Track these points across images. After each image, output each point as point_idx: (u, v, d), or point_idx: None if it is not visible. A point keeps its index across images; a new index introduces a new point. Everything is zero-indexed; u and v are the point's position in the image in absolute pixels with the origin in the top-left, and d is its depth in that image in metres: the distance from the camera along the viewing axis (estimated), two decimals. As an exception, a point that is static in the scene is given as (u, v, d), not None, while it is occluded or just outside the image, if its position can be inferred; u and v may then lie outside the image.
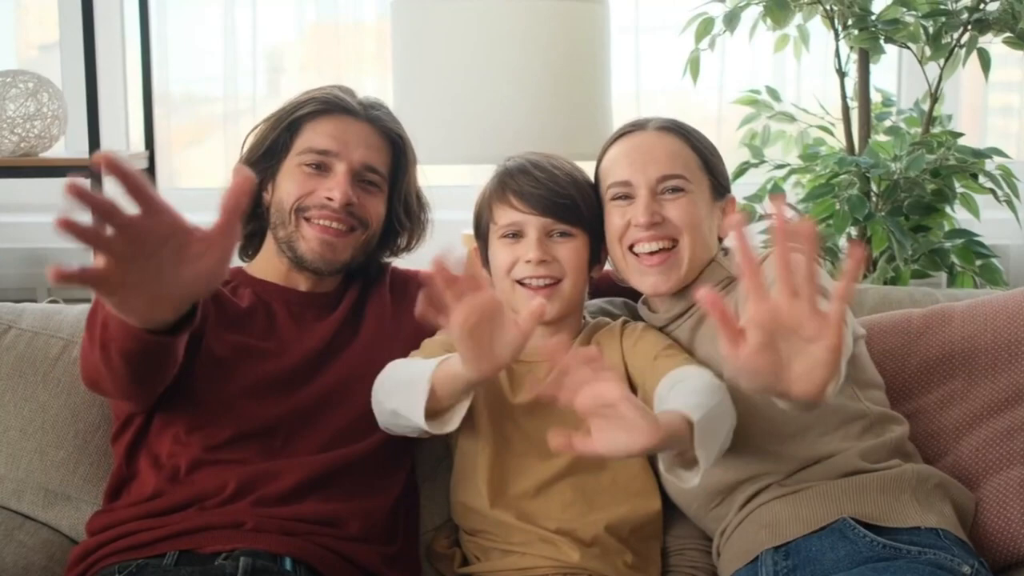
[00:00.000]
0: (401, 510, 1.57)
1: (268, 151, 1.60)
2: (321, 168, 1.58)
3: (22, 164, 2.25)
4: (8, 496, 1.63)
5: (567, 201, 1.53)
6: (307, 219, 1.57)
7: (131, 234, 1.06)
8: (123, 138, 2.75)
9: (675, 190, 1.53)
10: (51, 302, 1.94)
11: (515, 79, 2.02)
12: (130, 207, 1.05)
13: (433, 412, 1.39)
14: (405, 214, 1.66)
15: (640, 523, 1.51)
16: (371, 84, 2.72)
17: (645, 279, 1.53)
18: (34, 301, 2.04)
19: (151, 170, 2.51)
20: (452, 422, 1.42)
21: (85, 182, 1.00)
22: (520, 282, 1.53)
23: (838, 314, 1.06)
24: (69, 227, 0.99)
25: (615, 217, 1.55)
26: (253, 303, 1.60)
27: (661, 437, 1.21)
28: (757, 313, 1.07)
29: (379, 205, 1.62)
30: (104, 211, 1.03)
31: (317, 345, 1.57)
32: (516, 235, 1.54)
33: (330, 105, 1.61)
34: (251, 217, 1.65)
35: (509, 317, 1.29)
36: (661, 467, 1.35)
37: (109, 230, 1.04)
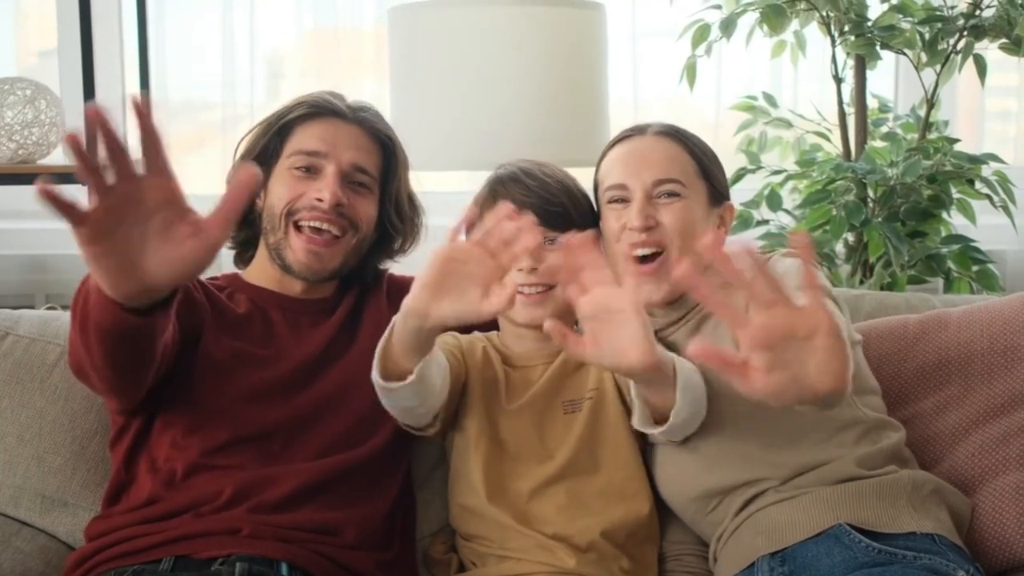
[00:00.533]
0: (397, 515, 1.57)
1: (259, 156, 1.61)
2: (311, 171, 1.58)
3: (20, 171, 2.25)
4: (5, 502, 1.63)
5: (558, 209, 1.54)
6: (296, 225, 1.57)
7: (130, 188, 1.06)
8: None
9: (670, 195, 1.53)
10: (49, 308, 1.94)
11: (512, 85, 2.02)
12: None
13: (396, 370, 1.35)
14: (397, 216, 1.66)
15: (634, 527, 1.51)
16: (369, 89, 2.73)
17: (639, 289, 1.53)
18: (32, 308, 2.04)
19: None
20: (428, 390, 1.38)
21: (111, 115, 1.02)
22: (513, 288, 1.54)
23: (815, 300, 1.07)
24: (77, 148, 0.99)
25: (611, 220, 1.55)
26: (250, 309, 1.60)
27: (654, 361, 1.25)
28: (748, 337, 1.07)
29: (370, 207, 1.62)
30: (115, 148, 1.03)
31: (314, 351, 1.58)
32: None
33: (319, 108, 1.61)
34: (244, 223, 1.66)
35: (482, 292, 1.25)
36: (635, 419, 1.40)
37: (111, 177, 1.04)
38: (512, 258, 1.25)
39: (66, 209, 1.04)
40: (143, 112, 1.02)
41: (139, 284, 1.15)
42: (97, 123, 1.00)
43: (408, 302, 1.27)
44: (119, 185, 1.06)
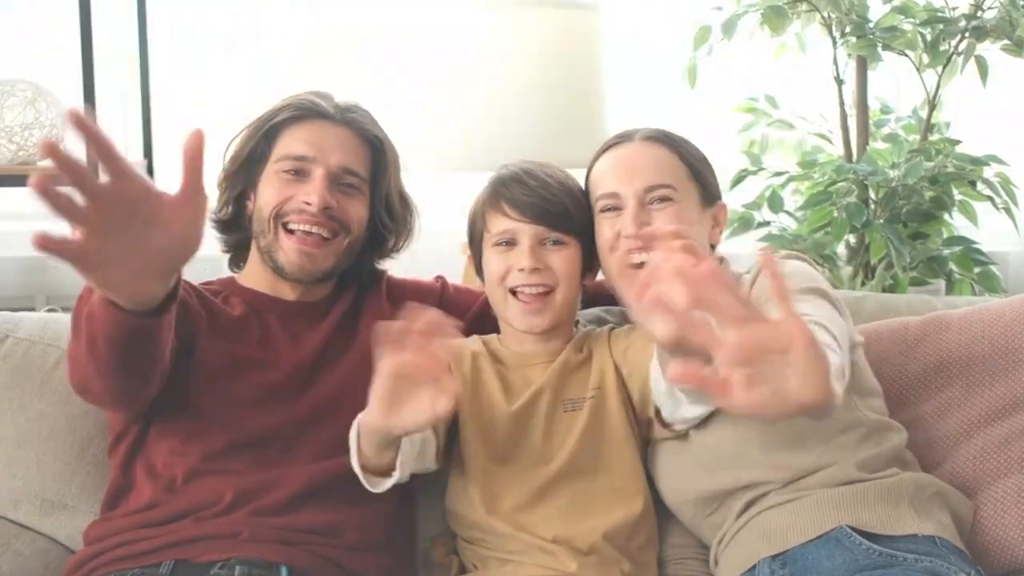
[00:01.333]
0: (398, 518, 1.57)
1: (248, 159, 1.61)
2: (299, 174, 1.58)
3: (20, 173, 2.25)
4: (5, 506, 1.63)
5: (559, 209, 1.54)
6: (286, 227, 1.57)
7: (102, 202, 1.06)
8: (121, 147, 2.75)
9: (663, 200, 1.53)
10: (49, 311, 1.93)
11: (513, 87, 2.02)
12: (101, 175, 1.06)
13: (371, 465, 1.39)
14: (388, 216, 1.66)
15: (635, 527, 1.51)
16: (370, 92, 2.72)
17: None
18: (32, 310, 2.04)
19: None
20: (386, 481, 1.40)
21: (58, 142, 1.03)
22: (513, 291, 1.54)
23: (788, 313, 1.05)
24: (44, 189, 1.00)
25: (605, 229, 1.55)
26: (245, 313, 1.60)
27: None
28: (724, 356, 1.04)
29: (360, 208, 1.62)
30: (75, 173, 1.03)
31: (311, 354, 1.57)
32: (509, 243, 1.55)
33: (305, 111, 1.61)
34: (236, 227, 1.66)
35: (432, 394, 1.23)
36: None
37: (81, 200, 1.05)
38: (445, 348, 1.23)
39: (63, 248, 1.05)
40: (83, 123, 1.02)
41: (154, 282, 1.18)
42: (50, 154, 1.01)
43: (370, 420, 1.28)
44: (91, 205, 1.06)
